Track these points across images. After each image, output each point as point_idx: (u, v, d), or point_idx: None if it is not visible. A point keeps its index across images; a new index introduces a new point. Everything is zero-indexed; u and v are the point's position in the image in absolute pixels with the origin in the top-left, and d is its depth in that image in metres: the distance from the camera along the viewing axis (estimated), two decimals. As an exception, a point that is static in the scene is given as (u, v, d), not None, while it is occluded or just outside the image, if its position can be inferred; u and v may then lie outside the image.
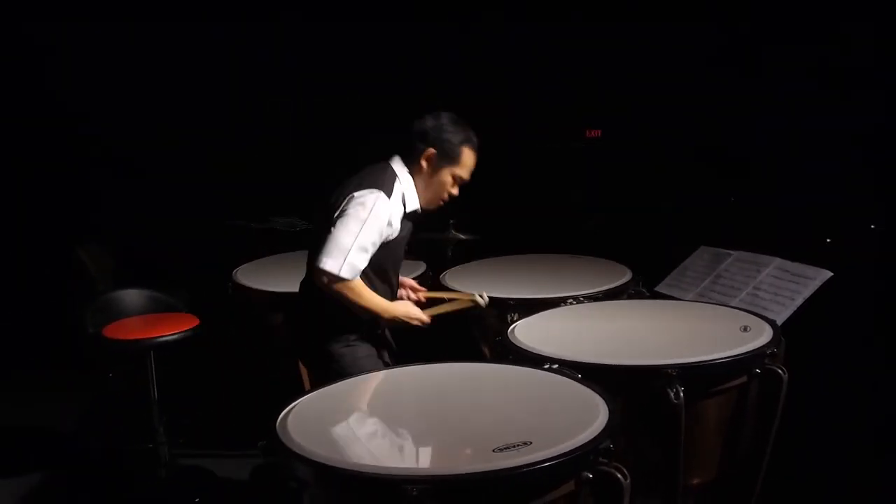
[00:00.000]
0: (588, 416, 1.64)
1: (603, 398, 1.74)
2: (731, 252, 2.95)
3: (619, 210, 4.30)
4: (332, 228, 2.21)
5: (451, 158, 2.35)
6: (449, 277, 3.07)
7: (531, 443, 1.51)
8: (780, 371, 2.06)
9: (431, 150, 2.33)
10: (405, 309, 2.37)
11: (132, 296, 3.24)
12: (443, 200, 2.44)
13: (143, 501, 3.08)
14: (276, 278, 3.11)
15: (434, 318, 2.43)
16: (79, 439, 3.56)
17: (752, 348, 2.06)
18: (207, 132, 4.80)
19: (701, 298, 2.80)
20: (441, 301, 2.56)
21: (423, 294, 2.65)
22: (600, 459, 1.52)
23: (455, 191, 2.43)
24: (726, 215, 3.87)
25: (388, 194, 2.27)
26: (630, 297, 2.85)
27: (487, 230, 3.61)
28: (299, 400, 1.84)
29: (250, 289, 3.12)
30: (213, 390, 3.96)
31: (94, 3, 4.63)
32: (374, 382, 2.00)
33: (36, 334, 4.48)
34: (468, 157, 2.37)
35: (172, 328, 2.97)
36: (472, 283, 2.89)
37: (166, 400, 3.13)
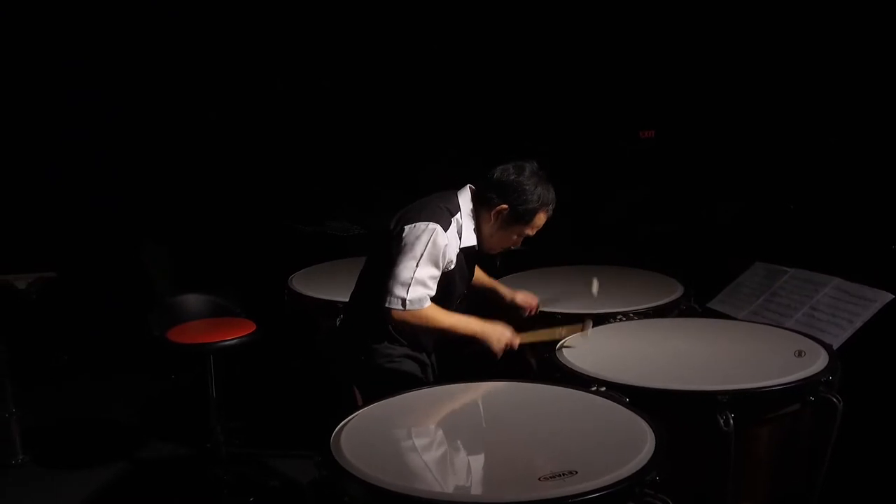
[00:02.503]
0: (635, 445, 1.66)
1: (650, 426, 1.75)
2: (788, 269, 2.87)
3: (671, 218, 4.22)
4: (391, 267, 2.15)
5: (523, 221, 2.28)
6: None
7: (577, 472, 1.53)
8: (834, 400, 2.02)
9: (504, 207, 2.25)
10: (499, 332, 2.26)
11: (193, 301, 3.36)
12: (503, 249, 2.39)
13: (200, 499, 3.20)
14: (331, 286, 3.16)
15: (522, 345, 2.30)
16: (142, 437, 3.71)
17: (806, 375, 2.03)
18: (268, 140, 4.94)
19: (754, 317, 2.74)
20: (542, 326, 2.42)
21: (535, 309, 2.52)
22: (646, 491, 1.53)
23: (517, 245, 2.37)
24: (784, 226, 3.75)
25: (445, 227, 2.19)
26: (681, 313, 2.82)
27: (536, 240, 3.60)
28: (350, 416, 1.90)
29: (305, 296, 3.20)
30: (269, 393, 4.07)
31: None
32: (423, 401, 2.04)
33: (101, 336, 4.66)
34: (540, 220, 2.31)
35: (232, 333, 3.08)
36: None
37: (224, 401, 3.25)
